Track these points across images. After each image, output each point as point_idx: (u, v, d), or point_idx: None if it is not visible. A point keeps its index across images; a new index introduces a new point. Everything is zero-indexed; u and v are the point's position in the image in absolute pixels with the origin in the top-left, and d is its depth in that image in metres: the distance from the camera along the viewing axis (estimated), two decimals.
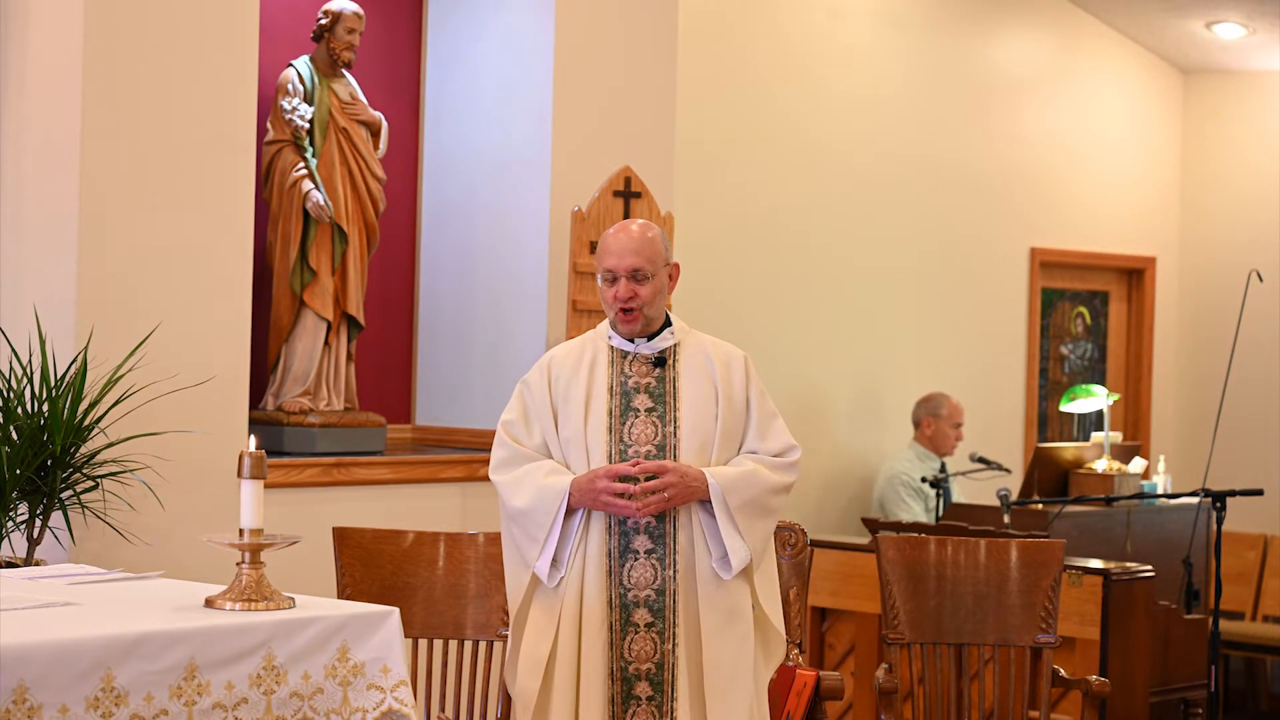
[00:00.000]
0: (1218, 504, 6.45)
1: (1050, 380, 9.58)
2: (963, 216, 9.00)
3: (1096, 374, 9.83)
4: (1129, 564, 6.32)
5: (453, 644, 4.73)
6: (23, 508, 4.73)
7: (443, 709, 4.65)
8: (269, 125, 5.82)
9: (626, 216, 6.15)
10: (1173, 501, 7.69)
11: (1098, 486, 7.74)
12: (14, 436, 4.70)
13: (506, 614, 4.52)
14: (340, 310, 5.92)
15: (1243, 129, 9.97)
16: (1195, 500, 7.34)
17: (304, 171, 5.80)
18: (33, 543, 4.70)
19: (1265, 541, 9.05)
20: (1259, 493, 6.66)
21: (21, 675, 2.99)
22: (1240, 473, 8.65)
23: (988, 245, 9.15)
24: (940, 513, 7.83)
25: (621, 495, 4.13)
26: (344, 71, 5.97)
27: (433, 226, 6.54)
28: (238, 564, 3.48)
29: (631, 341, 4.30)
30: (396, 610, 3.57)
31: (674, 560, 4.20)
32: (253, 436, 3.65)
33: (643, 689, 4.20)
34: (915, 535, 5.23)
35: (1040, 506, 7.40)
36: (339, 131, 5.91)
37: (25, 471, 4.65)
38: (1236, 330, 7.67)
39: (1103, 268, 9.83)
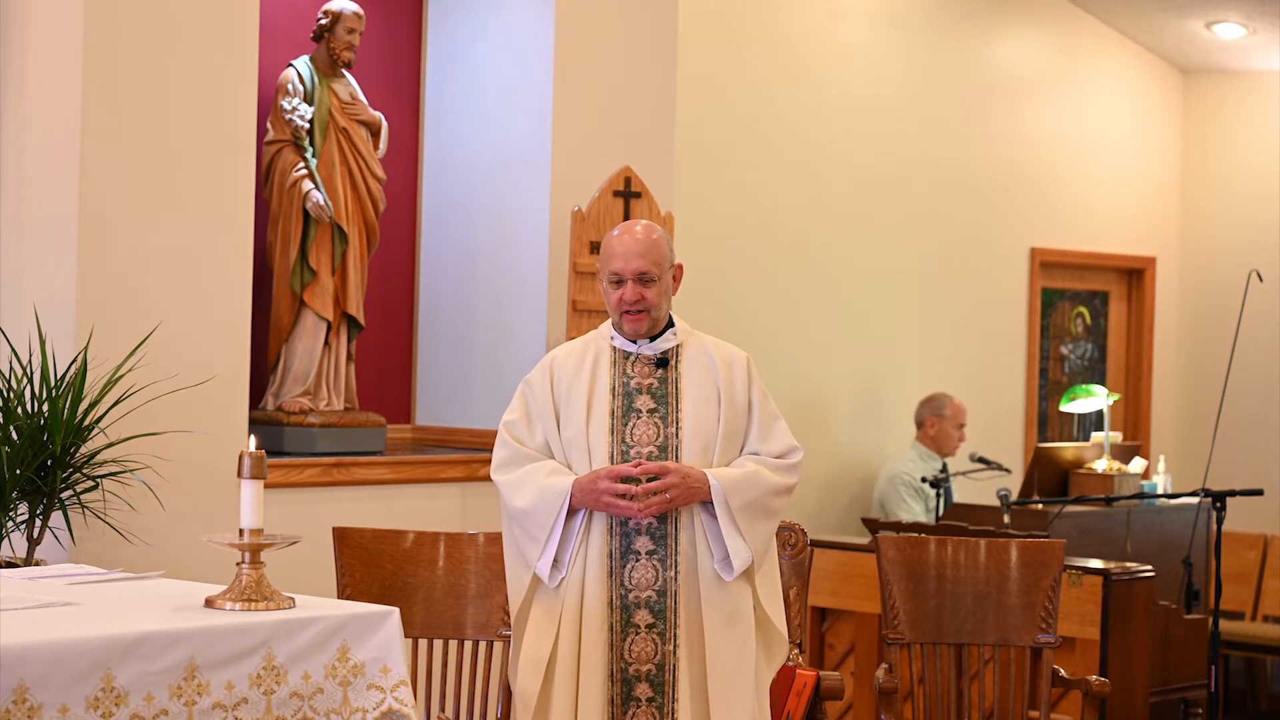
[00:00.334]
0: (1218, 504, 6.45)
1: (1050, 380, 9.58)
2: (963, 216, 9.00)
3: (1096, 374, 9.83)
4: (1129, 564, 6.31)
5: (453, 644, 4.73)
6: (23, 508, 4.73)
7: (443, 709, 4.65)
8: (269, 125, 5.82)
9: (627, 217, 6.14)
10: (1173, 501, 7.69)
11: (1098, 486, 7.73)
12: (14, 436, 4.69)
13: (507, 614, 4.52)
14: (340, 310, 5.92)
15: (1243, 129, 9.97)
16: (1195, 500, 7.34)
17: (304, 171, 5.79)
18: (33, 543, 4.70)
19: (1265, 541, 9.05)
20: (1259, 493, 6.66)
21: (21, 675, 2.99)
22: (1240, 473, 8.65)
23: (988, 245, 9.15)
24: (940, 513, 7.83)
25: (623, 496, 4.13)
26: (344, 71, 5.97)
27: (433, 226, 6.53)
28: (238, 564, 3.48)
29: (634, 342, 4.30)
30: (396, 610, 3.56)
31: (675, 561, 4.20)
32: (253, 436, 3.65)
33: (643, 690, 4.19)
34: (915, 535, 5.23)
35: (1040, 506, 7.39)
36: (339, 131, 5.91)
37: (25, 471, 4.65)
38: (1236, 330, 7.67)
39: (1103, 268, 9.83)
